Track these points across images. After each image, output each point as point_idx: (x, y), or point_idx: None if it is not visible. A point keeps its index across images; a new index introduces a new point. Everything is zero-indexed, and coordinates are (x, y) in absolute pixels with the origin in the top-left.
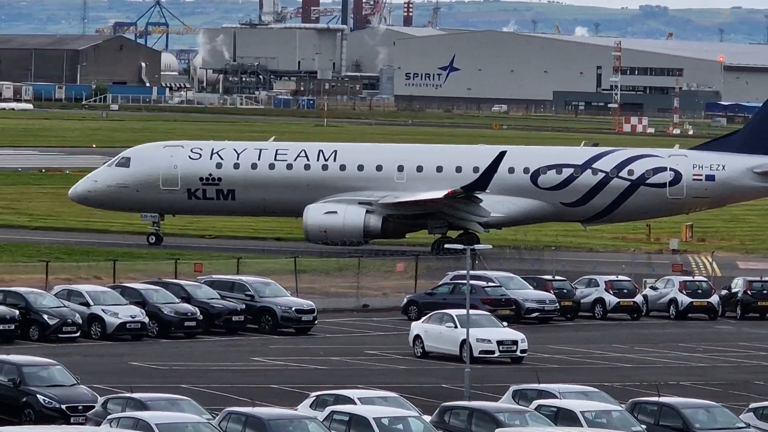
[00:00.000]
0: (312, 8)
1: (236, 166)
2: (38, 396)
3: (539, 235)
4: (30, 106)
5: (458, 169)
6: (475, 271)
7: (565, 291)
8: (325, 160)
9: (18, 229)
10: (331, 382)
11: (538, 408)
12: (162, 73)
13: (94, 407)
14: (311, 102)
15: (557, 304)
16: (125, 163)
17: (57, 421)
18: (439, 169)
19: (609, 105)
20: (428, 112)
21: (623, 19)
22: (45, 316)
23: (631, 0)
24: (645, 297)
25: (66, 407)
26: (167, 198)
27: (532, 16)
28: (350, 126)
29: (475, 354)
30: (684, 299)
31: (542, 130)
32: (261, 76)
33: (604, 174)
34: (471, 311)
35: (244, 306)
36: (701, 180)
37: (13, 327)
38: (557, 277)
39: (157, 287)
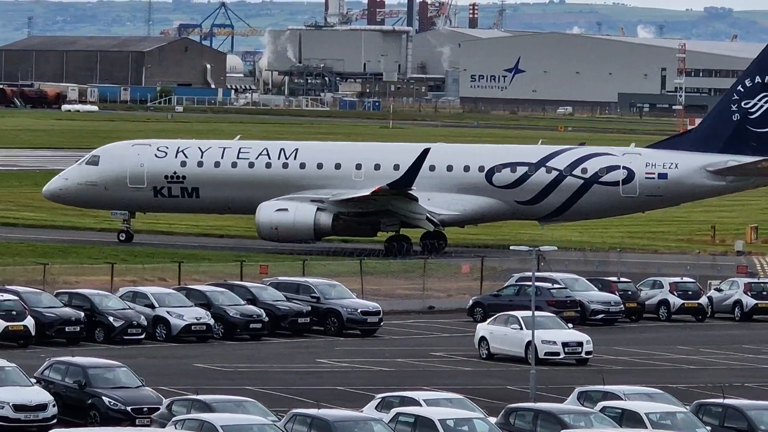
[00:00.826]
0: (377, 10)
1: (200, 164)
2: (103, 398)
3: (605, 236)
4: (95, 108)
5: (431, 168)
6: (541, 272)
7: (629, 293)
8: (286, 159)
9: (83, 231)
10: (397, 383)
11: (603, 409)
12: (227, 74)
13: (159, 409)
14: (377, 104)
15: (622, 306)
16: (95, 161)
17: (122, 423)
18: (396, 167)
19: (673, 107)
20: (493, 114)
21: (688, 21)
22: (110, 318)
23: (695, 1)
24: (710, 299)
25: (131, 409)
26: (134, 195)
27: (597, 18)
28: (415, 128)
29: (541, 355)
30: (749, 301)
31: (607, 132)
32: (326, 78)
33: (557, 172)
34: (536, 313)
35: (309, 308)
36: (654, 178)
37: (78, 329)
38: (622, 279)
39: (223, 289)
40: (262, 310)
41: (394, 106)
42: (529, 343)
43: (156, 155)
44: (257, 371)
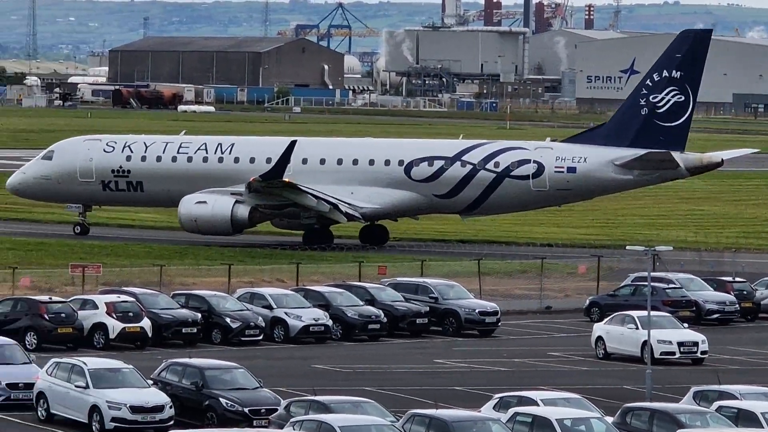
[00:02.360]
0: (494, 11)
1: (143, 158)
2: (221, 399)
3: (720, 237)
4: (212, 108)
5: (339, 161)
6: (657, 272)
7: (745, 292)
8: (222, 153)
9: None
10: (515, 383)
11: (719, 409)
12: (345, 75)
13: (277, 410)
14: (494, 105)
15: (737, 306)
16: (49, 156)
17: (240, 425)
18: (322, 161)
19: None
20: (609, 115)
21: None
22: (227, 320)
23: None
24: None
25: (249, 410)
26: (84, 189)
27: (712, 19)
28: (532, 128)
29: (656, 355)
30: None
31: (722, 133)
32: (444, 79)
33: (471, 166)
34: (652, 313)
35: (428, 308)
36: (563, 172)
37: (195, 330)
38: (737, 279)
39: (341, 290)
40: (381, 311)
41: (511, 107)
42: (645, 343)
43: (104, 150)
44: (375, 372)
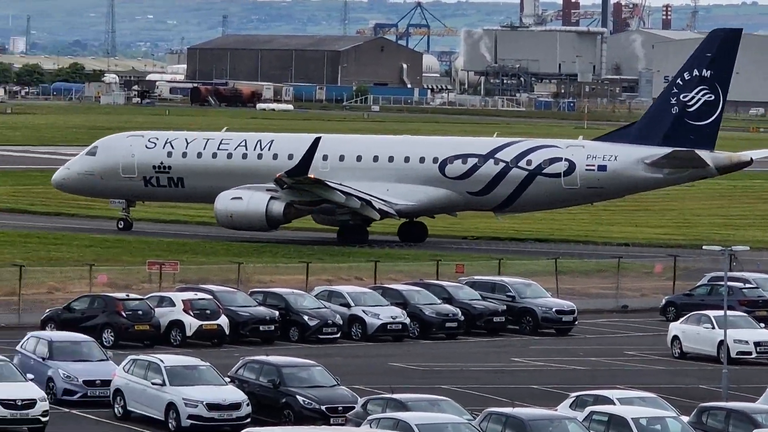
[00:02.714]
0: (572, 11)
1: (184, 155)
2: (298, 397)
3: None
4: (290, 107)
5: (375, 159)
6: (733, 272)
7: None
8: (261, 150)
9: (279, 230)
10: (591, 382)
11: None
12: (423, 74)
13: (354, 408)
14: (571, 104)
15: None
16: (93, 152)
17: (316, 422)
18: (359, 158)
19: None
20: None
21: None
22: (305, 317)
23: None
24: None
25: (326, 408)
26: (127, 185)
27: None
28: (610, 128)
29: (733, 355)
30: None
31: None
32: (522, 79)
33: (504, 164)
34: (728, 312)
35: (505, 307)
36: (594, 170)
37: (273, 328)
38: None
39: (419, 288)
40: (458, 309)
41: (589, 107)
42: (721, 343)
43: (146, 146)
44: (452, 370)
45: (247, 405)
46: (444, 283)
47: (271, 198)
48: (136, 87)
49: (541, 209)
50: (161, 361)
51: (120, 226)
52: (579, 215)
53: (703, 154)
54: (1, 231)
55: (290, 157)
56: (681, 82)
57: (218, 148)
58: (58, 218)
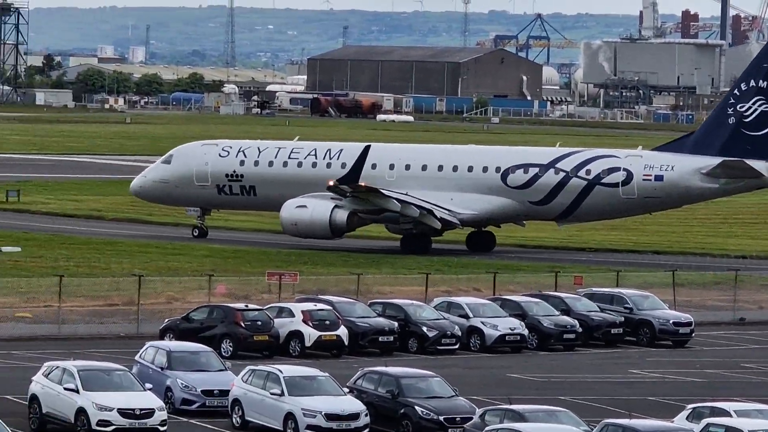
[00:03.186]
0: (691, 23)
1: (256, 163)
2: (416, 407)
3: None
4: (410, 118)
5: (440, 168)
6: None
7: None
8: (330, 159)
9: (396, 241)
10: (708, 394)
11: None
12: (543, 86)
13: (472, 419)
14: (690, 117)
15: None
16: (168, 160)
17: None
18: (424, 167)
19: None
20: None
21: None
22: (424, 328)
23: None
24: None
25: (444, 419)
26: (200, 193)
27: None
28: None
29: None
30: None
31: None
32: (641, 91)
33: (564, 173)
34: None
35: (622, 318)
36: (651, 180)
37: (392, 339)
38: None
39: (537, 300)
40: (576, 321)
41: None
42: None
43: (220, 155)
44: (570, 381)
45: (366, 415)
46: (562, 295)
47: (335, 207)
48: (255, 97)
49: (601, 219)
50: (280, 371)
51: (195, 234)
52: (695, 228)
53: (756, 164)
54: (119, 241)
55: None
56: (738, 93)
57: (289, 157)
58: (177, 228)
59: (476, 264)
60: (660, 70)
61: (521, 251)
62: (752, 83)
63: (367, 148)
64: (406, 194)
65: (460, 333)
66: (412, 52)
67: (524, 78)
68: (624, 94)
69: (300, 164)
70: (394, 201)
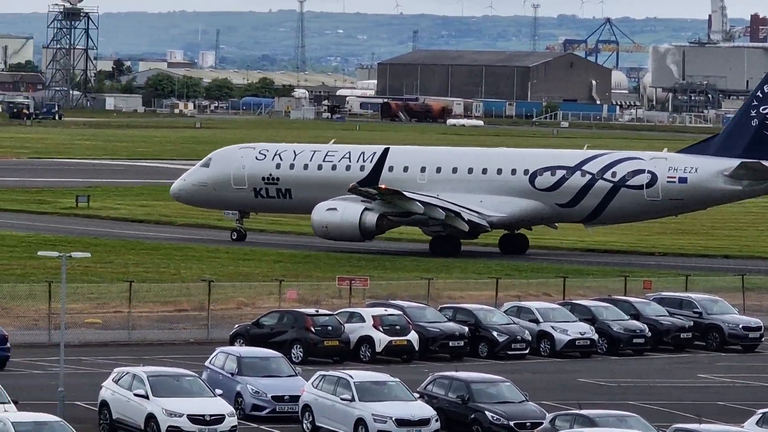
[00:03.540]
0: (760, 27)
1: (292, 166)
2: (486, 412)
3: None
4: (480, 122)
5: (470, 170)
6: None
7: None
8: (363, 162)
9: (471, 245)
10: None
11: None
12: (612, 90)
13: (542, 424)
14: None
15: None
16: (207, 163)
17: None
18: (454, 170)
19: None
20: None
21: None
22: (494, 333)
23: None
24: None
25: (514, 423)
26: (238, 196)
27: None
28: None
29: None
30: None
31: None
32: (710, 95)
33: (590, 176)
34: None
35: (692, 323)
36: (675, 182)
37: (462, 344)
38: None
39: (607, 304)
40: (645, 325)
41: None
42: None
43: (257, 158)
44: (640, 386)
45: (436, 421)
46: (632, 299)
47: (365, 209)
48: (326, 102)
49: (628, 221)
50: (350, 376)
51: (234, 237)
52: (766, 232)
53: None
54: (189, 246)
55: (390, 169)
56: (761, 95)
57: (324, 160)
58: (249, 233)
59: (546, 269)
60: (729, 74)
61: (590, 255)
62: None
63: (386, 150)
64: (436, 197)
65: (530, 338)
66: (482, 56)
67: (593, 82)
68: (693, 98)
69: (334, 167)
70: (418, 203)
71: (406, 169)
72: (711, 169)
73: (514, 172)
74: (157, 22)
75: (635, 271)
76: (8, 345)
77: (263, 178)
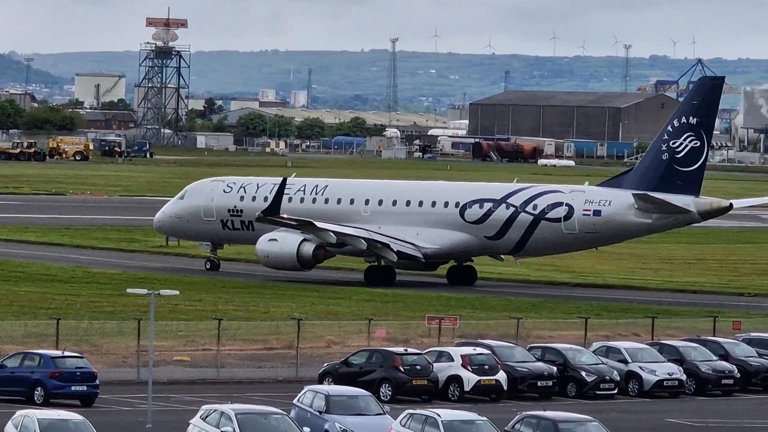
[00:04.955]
0: None
1: (254, 198)
2: None
3: None
4: (572, 163)
5: (407, 203)
6: None
7: None
8: (315, 194)
9: (559, 286)
10: None
11: None
12: None
13: None
14: None
15: None
16: (183, 196)
17: None
18: (394, 203)
19: None
20: None
21: None
22: (583, 373)
23: None
24: None
25: None
26: (208, 227)
27: None
28: None
29: None
30: None
31: None
32: None
33: (514, 209)
34: None
35: None
36: (590, 215)
37: (551, 383)
38: None
39: (696, 344)
40: (734, 366)
41: None
42: None
43: (224, 191)
44: (728, 427)
45: None
46: (720, 340)
47: (303, 240)
48: (417, 141)
49: (550, 253)
50: (438, 415)
51: (207, 267)
52: None
53: (683, 199)
54: (279, 285)
55: (338, 201)
56: (671, 129)
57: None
58: (337, 272)
59: (635, 309)
60: None
61: (679, 295)
62: (683, 120)
63: (284, 181)
64: (379, 228)
65: (618, 378)
66: (574, 97)
67: None
68: None
69: (290, 199)
70: (331, 233)
71: (351, 201)
72: (623, 202)
73: (446, 204)
74: (250, 61)
75: (724, 311)
76: (97, 382)
77: (229, 210)
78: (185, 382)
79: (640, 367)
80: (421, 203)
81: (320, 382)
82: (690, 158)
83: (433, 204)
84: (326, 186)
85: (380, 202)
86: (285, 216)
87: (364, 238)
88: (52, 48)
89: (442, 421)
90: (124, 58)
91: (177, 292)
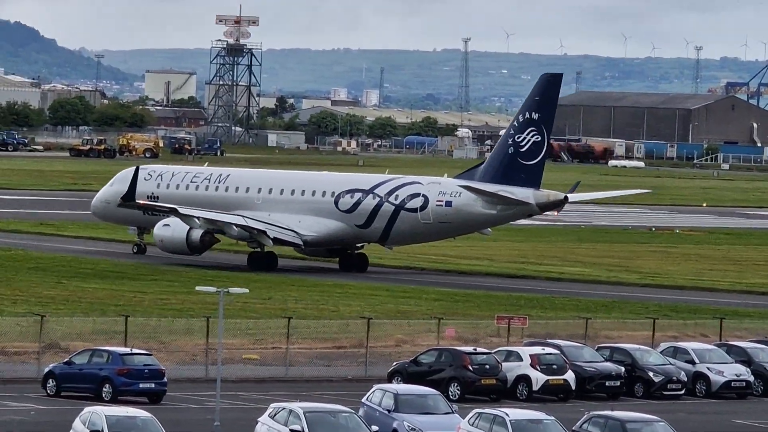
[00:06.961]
0: None
1: (168, 186)
2: None
3: None
4: (641, 164)
5: (292, 192)
6: None
7: None
8: (217, 183)
9: (627, 286)
10: None
11: None
12: None
13: None
14: None
15: None
16: (113, 183)
17: None
18: (281, 191)
19: None
20: None
21: None
22: (650, 374)
23: None
24: None
25: None
26: (131, 213)
27: None
28: None
29: None
30: None
31: None
32: None
33: (379, 198)
34: None
35: None
36: (442, 206)
37: (618, 383)
38: None
39: (763, 346)
40: None
41: None
42: None
43: (144, 178)
44: None
45: None
46: None
47: (191, 227)
48: (489, 141)
49: (414, 242)
50: (506, 414)
51: (134, 251)
52: None
53: (523, 191)
54: (349, 284)
55: (236, 189)
56: (516, 124)
57: (191, 181)
58: (405, 273)
59: (703, 309)
60: None
61: (748, 296)
62: (526, 115)
63: (137, 169)
64: (268, 215)
65: (686, 378)
66: (644, 98)
67: (755, 125)
68: None
69: (197, 187)
70: (195, 219)
71: (247, 190)
72: (471, 193)
73: (324, 194)
74: (321, 60)
75: None
76: (165, 379)
77: (148, 197)
78: (254, 380)
79: (708, 368)
80: (303, 192)
81: (389, 380)
82: (532, 152)
83: (313, 193)
84: (228, 175)
85: (270, 191)
86: (141, 202)
87: (239, 225)
88: (123, 45)
89: (510, 421)
90: (195, 56)
91: (246, 290)
